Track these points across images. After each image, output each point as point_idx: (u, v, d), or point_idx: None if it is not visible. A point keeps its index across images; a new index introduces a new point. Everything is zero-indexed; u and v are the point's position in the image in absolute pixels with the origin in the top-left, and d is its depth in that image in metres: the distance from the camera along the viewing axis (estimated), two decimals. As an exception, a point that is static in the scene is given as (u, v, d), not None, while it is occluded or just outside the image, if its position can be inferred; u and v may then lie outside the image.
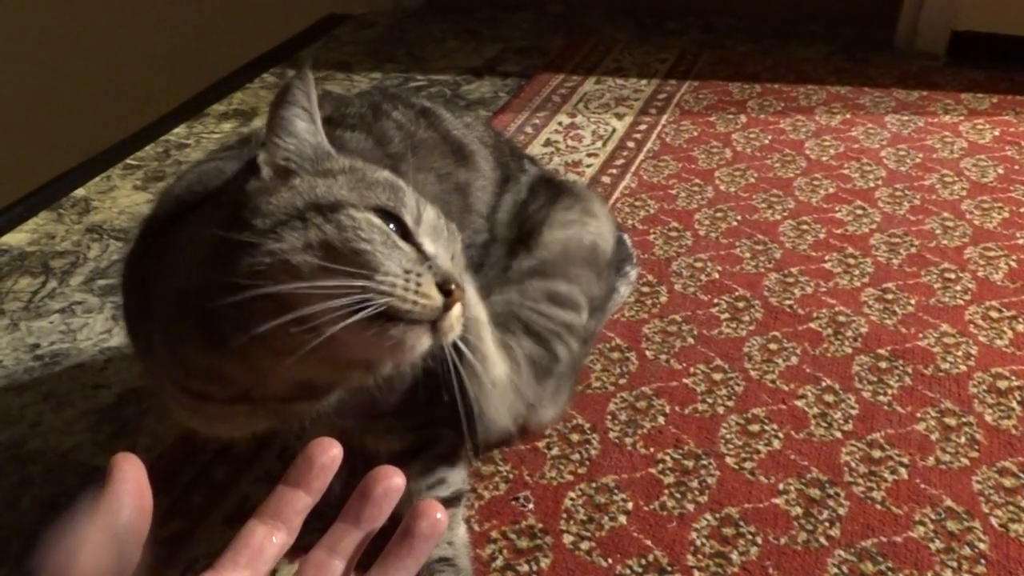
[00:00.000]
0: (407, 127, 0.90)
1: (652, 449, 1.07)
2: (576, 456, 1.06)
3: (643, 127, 1.85)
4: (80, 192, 1.71)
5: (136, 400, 1.20)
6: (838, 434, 1.08)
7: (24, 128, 1.61)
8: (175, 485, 1.04)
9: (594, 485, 1.02)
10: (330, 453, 0.50)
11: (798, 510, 0.98)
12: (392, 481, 0.50)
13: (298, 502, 0.49)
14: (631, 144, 1.78)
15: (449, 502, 0.84)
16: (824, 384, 1.15)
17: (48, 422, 1.17)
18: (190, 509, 1.01)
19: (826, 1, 2.31)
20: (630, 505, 1.00)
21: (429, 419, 0.80)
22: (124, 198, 1.68)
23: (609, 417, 1.11)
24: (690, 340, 1.24)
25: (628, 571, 0.92)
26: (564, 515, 0.99)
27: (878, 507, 0.98)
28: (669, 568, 0.92)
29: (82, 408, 1.19)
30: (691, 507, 0.99)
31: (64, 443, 1.14)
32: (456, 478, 0.84)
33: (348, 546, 0.50)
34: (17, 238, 1.57)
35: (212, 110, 2.02)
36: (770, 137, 1.79)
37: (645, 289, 1.35)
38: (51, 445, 1.13)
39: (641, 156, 1.74)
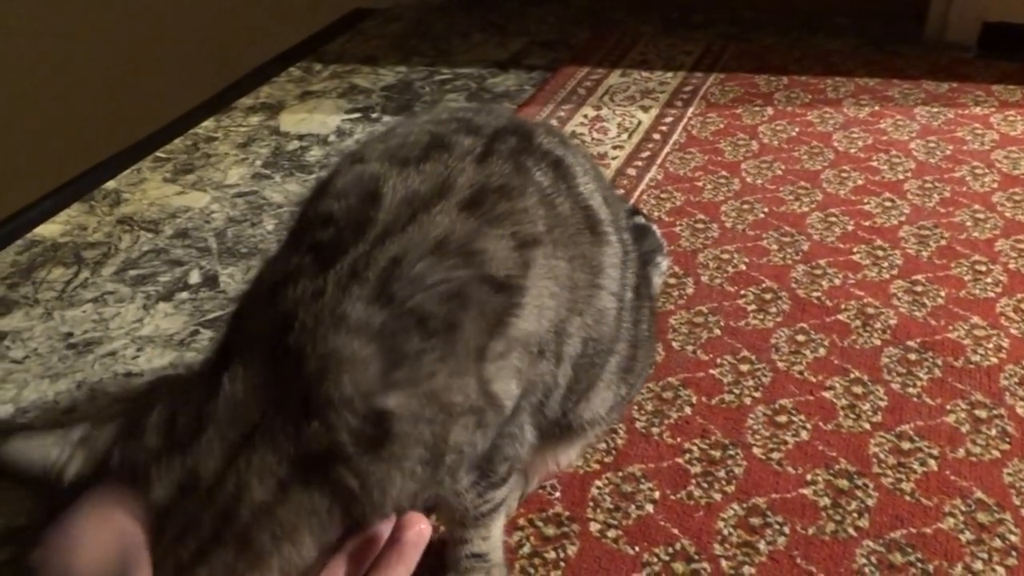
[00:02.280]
0: (550, 196, 0.74)
1: (679, 439, 1.07)
2: (603, 445, 1.06)
3: (669, 119, 1.85)
4: (111, 184, 1.73)
5: (167, 388, 1.22)
6: (867, 425, 1.07)
7: (56, 122, 1.64)
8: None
9: (620, 474, 1.02)
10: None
11: (826, 501, 0.97)
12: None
13: None
14: (657, 136, 1.78)
15: (490, 512, 0.84)
16: (852, 376, 1.14)
17: (82, 409, 1.19)
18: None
19: (854, -7, 2.29)
20: (657, 494, 1.00)
21: (491, 458, 0.79)
22: (154, 190, 1.71)
23: (635, 407, 1.11)
24: (717, 331, 1.24)
25: (655, 559, 0.92)
26: (591, 503, 0.99)
27: (907, 498, 0.97)
28: (696, 557, 0.92)
29: (115, 395, 1.21)
30: (718, 497, 0.99)
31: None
32: (501, 495, 0.83)
33: None
34: (50, 229, 1.60)
35: (240, 104, 2.04)
36: (797, 129, 1.78)
37: (672, 281, 1.35)
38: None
39: (667, 148, 1.73)
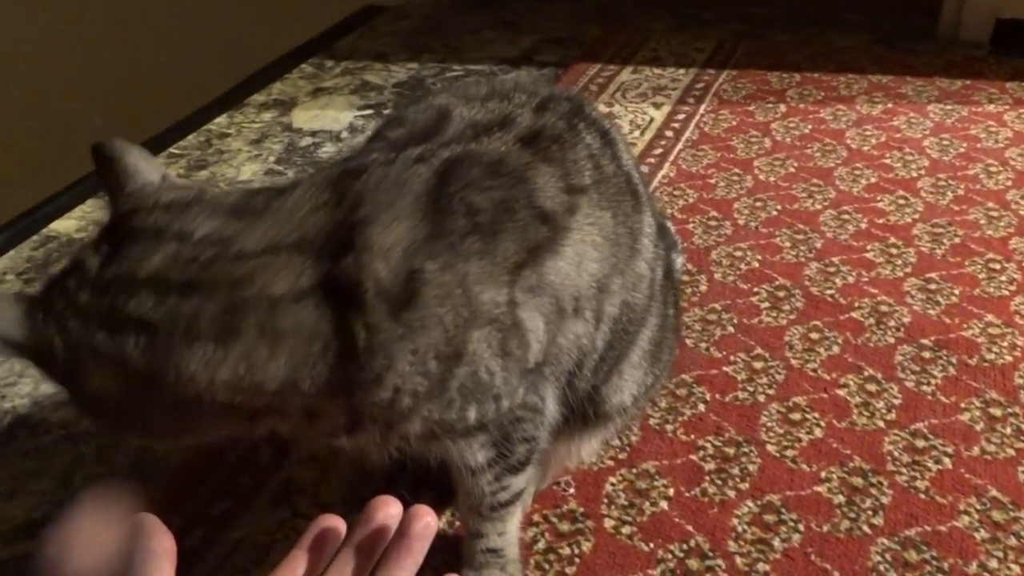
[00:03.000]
0: (596, 157, 0.79)
1: (693, 436, 1.07)
2: (616, 442, 1.06)
3: (681, 116, 1.84)
4: (125, 180, 1.73)
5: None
6: (881, 423, 1.07)
7: (71, 117, 1.64)
8: (224, 466, 1.06)
9: (635, 471, 1.03)
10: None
11: (841, 498, 0.98)
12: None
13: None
14: (669, 133, 1.78)
15: (507, 503, 0.85)
16: (866, 373, 1.14)
17: (98, 403, 1.20)
18: (237, 489, 1.03)
19: (867, -11, 2.28)
20: (671, 491, 1.00)
21: (509, 435, 0.79)
22: (168, 186, 1.71)
23: (650, 404, 1.11)
24: (730, 328, 1.24)
25: (670, 556, 0.92)
26: (605, 500, 0.99)
27: (922, 496, 0.97)
28: (711, 553, 0.92)
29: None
30: (732, 494, 0.99)
31: (114, 424, 1.16)
32: (519, 483, 0.83)
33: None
34: (65, 225, 1.61)
35: (252, 100, 2.04)
36: (810, 126, 1.77)
37: (686, 278, 1.35)
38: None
39: (679, 145, 1.73)
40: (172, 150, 1.84)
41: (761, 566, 0.91)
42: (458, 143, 0.73)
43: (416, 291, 0.64)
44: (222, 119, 1.96)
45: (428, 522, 0.55)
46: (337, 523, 0.55)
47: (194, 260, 0.62)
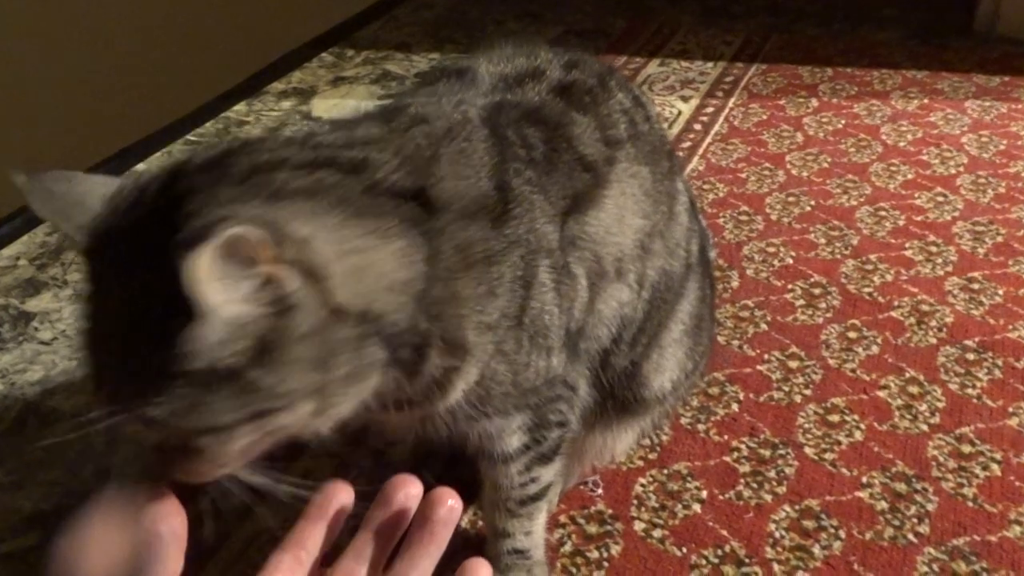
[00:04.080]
0: (630, 113, 0.78)
1: (726, 437, 1.02)
2: (646, 442, 1.02)
3: (710, 110, 1.80)
4: (142, 167, 1.71)
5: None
6: (924, 427, 1.02)
7: (87, 104, 1.61)
8: (237, 458, 1.03)
9: (666, 472, 0.98)
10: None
11: (884, 504, 0.93)
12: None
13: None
14: (698, 127, 1.73)
15: (535, 498, 0.81)
16: (908, 375, 1.10)
17: (110, 392, 1.17)
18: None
19: (901, -16, 2.23)
20: (704, 493, 0.95)
21: (544, 417, 0.76)
22: (185, 173, 1.68)
23: (681, 403, 1.06)
24: (763, 326, 1.20)
25: (703, 561, 0.88)
26: (635, 501, 0.95)
27: (970, 504, 0.92)
28: (747, 560, 0.88)
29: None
30: (768, 498, 0.95)
31: (126, 413, 1.13)
32: (548, 475, 0.80)
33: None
34: (80, 211, 1.58)
35: (271, 88, 2.01)
36: (843, 121, 1.72)
37: (716, 274, 1.30)
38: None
39: (708, 139, 1.68)
40: (189, 137, 1.81)
41: (801, 574, 0.86)
42: (493, 93, 0.72)
43: (508, 205, 0.64)
44: (241, 107, 1.93)
45: (452, 506, 0.51)
46: (345, 491, 0.52)
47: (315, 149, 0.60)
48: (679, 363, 0.90)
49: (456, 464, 0.97)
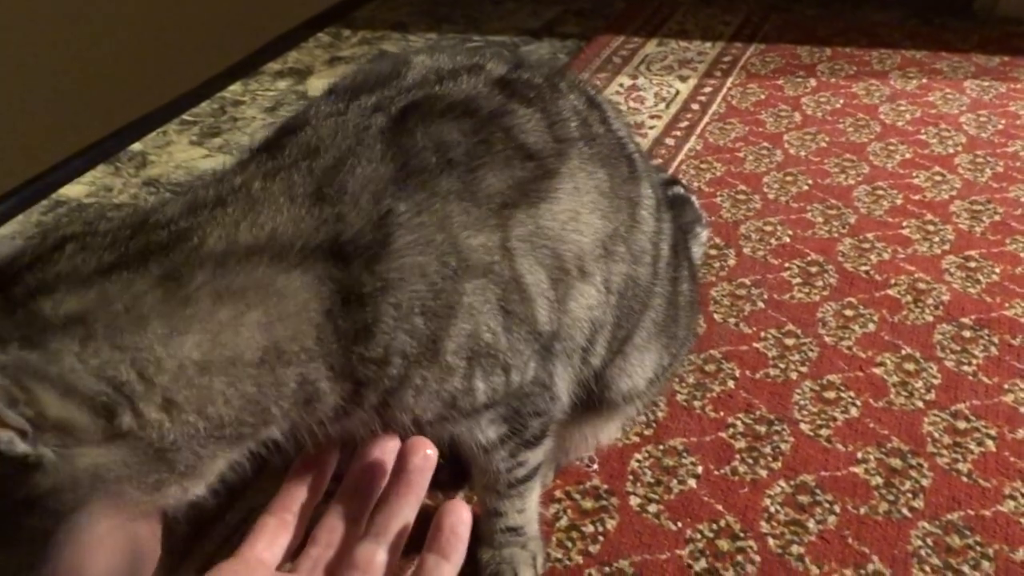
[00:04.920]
0: (583, 114, 0.71)
1: (722, 413, 1.02)
2: (642, 418, 1.02)
3: (708, 90, 1.79)
4: (137, 146, 1.70)
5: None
6: (920, 404, 1.02)
7: (83, 83, 1.60)
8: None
9: (661, 448, 0.98)
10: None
11: (878, 480, 0.93)
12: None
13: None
14: (695, 106, 1.72)
15: (525, 479, 0.80)
16: (904, 352, 1.09)
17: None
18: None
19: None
20: (700, 469, 0.96)
21: (519, 409, 0.74)
22: (180, 153, 1.67)
23: (676, 380, 1.06)
24: (760, 304, 1.19)
25: (699, 536, 0.88)
26: (631, 477, 0.95)
27: (964, 479, 0.92)
28: (742, 534, 0.88)
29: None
30: (764, 473, 0.95)
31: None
32: (536, 458, 0.78)
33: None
34: (75, 190, 1.57)
35: (267, 68, 2.00)
36: (842, 101, 1.71)
37: (713, 252, 1.30)
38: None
39: (706, 119, 1.68)
40: (185, 117, 1.80)
41: (795, 548, 0.86)
42: (419, 88, 0.64)
43: (389, 237, 0.55)
44: (236, 86, 1.92)
45: (427, 454, 0.50)
46: (329, 455, 0.52)
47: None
48: (653, 362, 0.87)
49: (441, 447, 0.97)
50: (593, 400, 0.82)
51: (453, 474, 0.95)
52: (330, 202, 0.55)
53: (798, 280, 1.23)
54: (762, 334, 1.14)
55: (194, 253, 0.51)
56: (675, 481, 0.94)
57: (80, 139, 1.66)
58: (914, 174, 1.47)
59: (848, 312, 1.17)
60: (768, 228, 1.35)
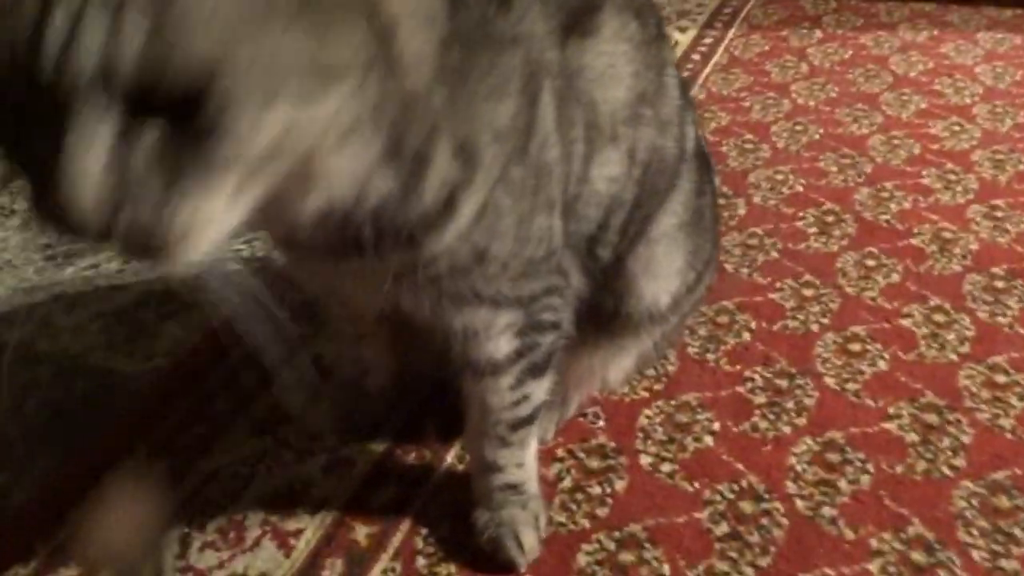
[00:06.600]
0: None
1: (738, 366, 0.93)
2: (651, 371, 0.92)
3: (709, 40, 1.69)
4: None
5: (156, 302, 1.08)
6: (953, 356, 0.94)
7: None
8: (198, 390, 0.92)
9: (673, 403, 0.89)
10: None
11: (914, 436, 0.84)
12: None
13: None
14: (696, 57, 1.63)
15: (526, 420, 0.71)
16: (932, 303, 1.01)
17: (59, 323, 1.06)
18: (213, 415, 0.89)
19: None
20: (716, 425, 0.86)
21: (534, 317, 0.66)
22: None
23: (686, 331, 0.97)
24: (774, 254, 1.10)
25: (718, 497, 0.79)
26: (640, 434, 0.86)
27: (1008, 436, 0.84)
28: (767, 495, 0.79)
29: (96, 309, 1.08)
30: (787, 430, 0.86)
31: (75, 345, 1.02)
32: (540, 392, 0.70)
33: None
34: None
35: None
36: (850, 52, 1.62)
37: (721, 201, 1.20)
38: (61, 346, 1.02)
39: (708, 69, 1.58)
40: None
41: (827, 510, 0.77)
42: None
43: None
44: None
45: None
46: None
47: None
48: (678, 270, 0.78)
49: (438, 394, 0.87)
50: (605, 314, 0.75)
51: (444, 426, 0.86)
52: None
53: (814, 229, 1.14)
54: (778, 284, 1.05)
55: None
56: (690, 438, 0.85)
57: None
58: (930, 123, 1.38)
59: (869, 262, 1.08)
60: (779, 177, 1.26)
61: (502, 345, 0.64)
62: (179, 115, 0.37)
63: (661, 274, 0.76)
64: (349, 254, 0.55)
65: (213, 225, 0.41)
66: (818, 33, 1.71)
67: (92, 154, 0.37)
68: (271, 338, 0.49)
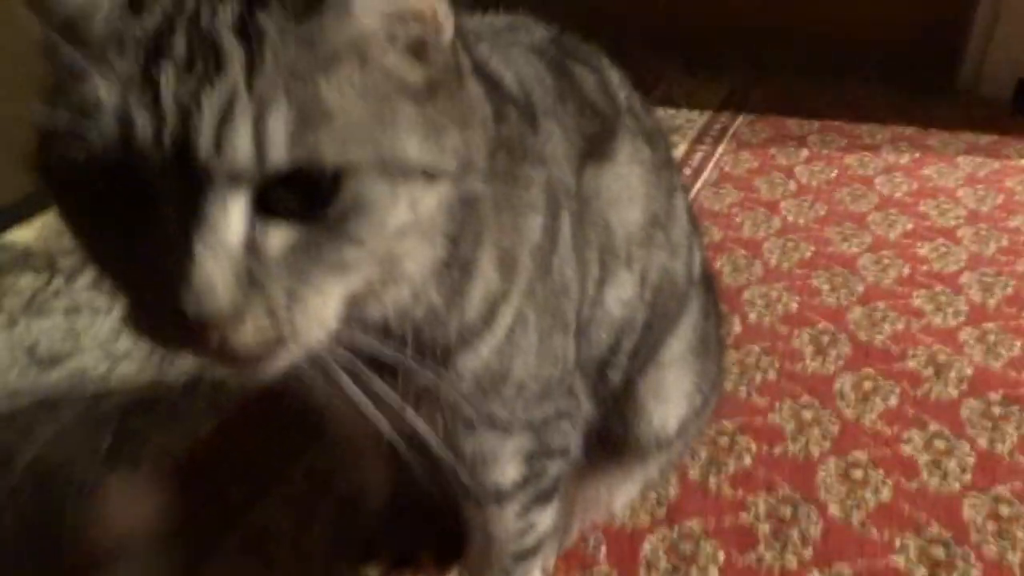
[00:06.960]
0: (627, 89, 0.71)
1: (740, 492, 0.92)
2: (653, 496, 0.91)
3: (699, 155, 1.73)
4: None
5: (143, 410, 1.06)
6: (956, 485, 0.93)
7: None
8: (184, 505, 0.89)
9: (676, 530, 0.87)
10: None
11: (922, 571, 0.82)
12: None
13: None
14: (687, 171, 1.66)
15: (531, 551, 0.69)
16: (932, 428, 1.00)
17: (42, 430, 1.03)
18: (199, 534, 0.86)
19: (881, 39, 2.20)
20: (721, 555, 0.84)
21: (543, 441, 0.64)
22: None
23: (688, 452, 0.96)
24: (772, 374, 1.10)
25: (726, 635, 0.76)
26: (644, 563, 0.83)
27: (1018, 573, 0.82)
28: (776, 634, 0.76)
29: (80, 416, 1.05)
30: (794, 561, 0.84)
31: (56, 455, 0.99)
32: (546, 521, 0.68)
33: None
34: (24, 234, 1.44)
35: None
36: (836, 171, 1.67)
37: (716, 317, 1.21)
38: (42, 456, 0.99)
39: (699, 184, 1.62)
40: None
41: (839, 651, 0.75)
42: (483, 37, 0.63)
43: (535, 114, 0.57)
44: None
45: None
46: None
47: None
48: (686, 394, 0.79)
49: (437, 517, 0.85)
50: (613, 440, 0.74)
51: (441, 552, 0.83)
52: None
53: (810, 349, 1.15)
54: (776, 405, 1.04)
55: None
56: (695, 569, 0.83)
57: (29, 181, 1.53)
58: (918, 244, 1.41)
59: (867, 384, 1.08)
60: (773, 294, 1.27)
61: (509, 471, 0.63)
62: (307, 210, 0.38)
63: (671, 398, 0.76)
64: (381, 370, 0.53)
65: (330, 319, 0.41)
66: (804, 152, 1.75)
67: (229, 243, 0.36)
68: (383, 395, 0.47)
